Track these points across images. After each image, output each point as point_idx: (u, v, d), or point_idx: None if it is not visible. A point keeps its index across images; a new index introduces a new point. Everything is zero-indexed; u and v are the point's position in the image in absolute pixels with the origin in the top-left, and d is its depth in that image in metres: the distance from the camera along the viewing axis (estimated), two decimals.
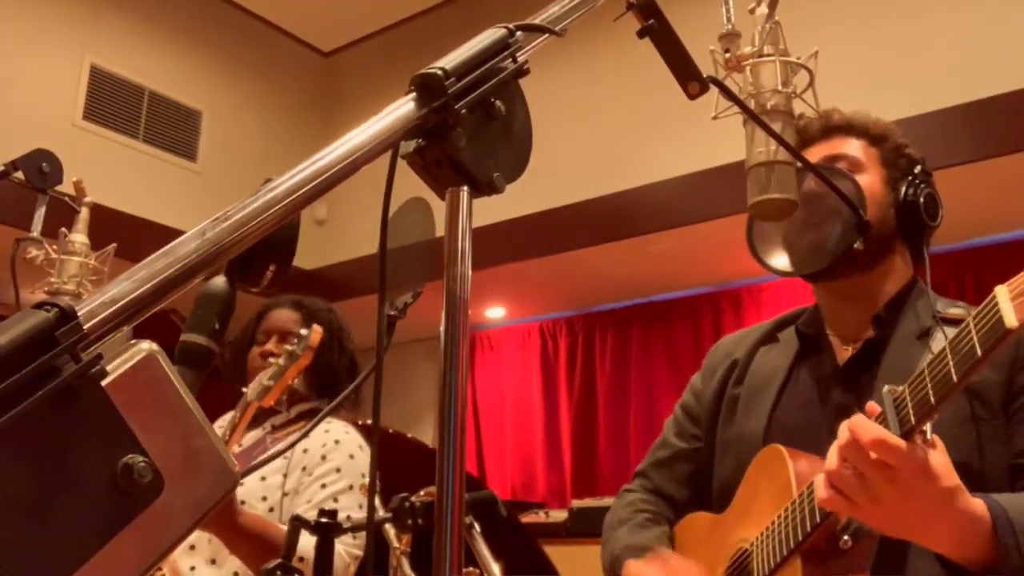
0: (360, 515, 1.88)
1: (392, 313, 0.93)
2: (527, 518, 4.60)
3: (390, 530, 1.21)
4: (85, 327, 0.43)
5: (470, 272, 0.66)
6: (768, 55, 1.12)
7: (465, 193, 0.67)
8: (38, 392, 0.40)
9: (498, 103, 0.69)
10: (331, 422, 2.09)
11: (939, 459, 1.01)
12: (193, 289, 0.77)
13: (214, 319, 0.76)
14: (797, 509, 1.18)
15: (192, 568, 1.96)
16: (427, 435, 6.20)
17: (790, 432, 1.36)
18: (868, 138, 1.45)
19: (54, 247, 1.85)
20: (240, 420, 1.67)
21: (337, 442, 2.03)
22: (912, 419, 0.99)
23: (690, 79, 0.97)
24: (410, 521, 1.16)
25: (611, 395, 5.54)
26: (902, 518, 1.03)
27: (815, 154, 1.45)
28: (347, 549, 1.87)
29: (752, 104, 1.09)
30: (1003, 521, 1.05)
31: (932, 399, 0.98)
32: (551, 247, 4.80)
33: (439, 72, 0.65)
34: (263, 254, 0.78)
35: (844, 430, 1.03)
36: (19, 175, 1.79)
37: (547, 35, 0.77)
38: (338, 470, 1.97)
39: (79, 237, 1.86)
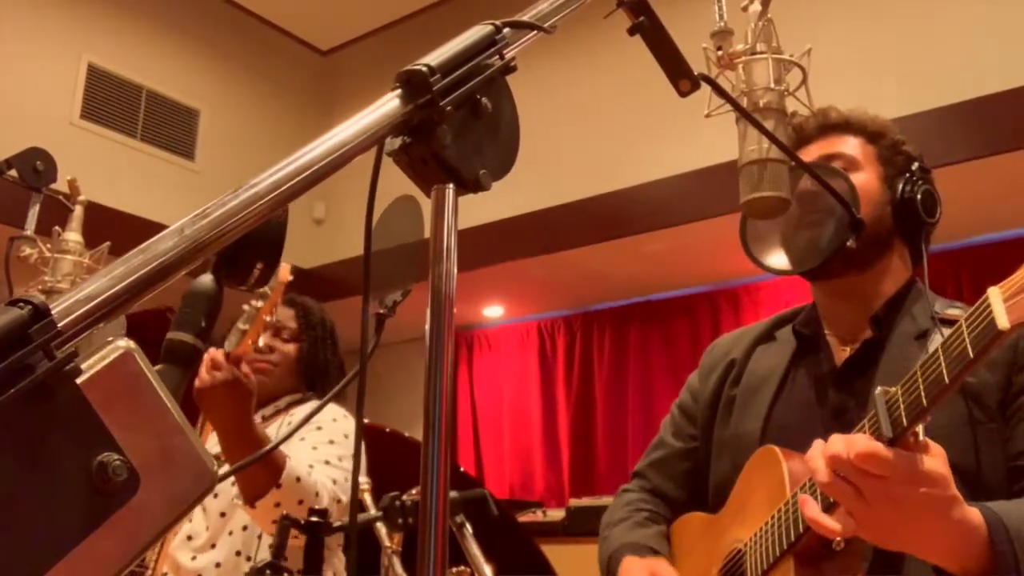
0: (342, 467, 1.88)
1: (381, 312, 0.93)
2: (525, 517, 4.59)
3: (381, 529, 1.20)
4: (60, 324, 0.43)
5: (455, 270, 0.66)
6: (761, 52, 1.11)
7: (451, 191, 0.66)
8: (11, 389, 0.39)
9: (484, 100, 0.68)
10: (330, 406, 2.10)
11: (934, 466, 0.99)
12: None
13: (201, 317, 0.76)
14: (790, 510, 1.18)
15: (193, 558, 1.97)
16: (421, 435, 6.19)
17: (786, 432, 1.36)
18: (865, 136, 1.45)
19: (48, 245, 1.85)
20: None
21: (334, 420, 2.05)
22: (904, 421, 0.98)
23: (681, 76, 0.97)
24: (400, 520, 1.16)
25: (609, 394, 5.54)
26: (895, 528, 1.02)
27: (812, 152, 1.45)
28: (331, 488, 1.85)
29: (745, 102, 1.09)
30: (999, 529, 1.03)
31: (924, 401, 0.97)
32: (549, 246, 4.80)
33: (424, 69, 0.64)
34: (250, 252, 0.78)
35: (820, 455, 1.02)
36: (13, 173, 1.79)
37: (535, 32, 0.77)
38: (331, 442, 1.98)
39: (73, 235, 1.86)
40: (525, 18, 0.77)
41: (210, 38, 5.57)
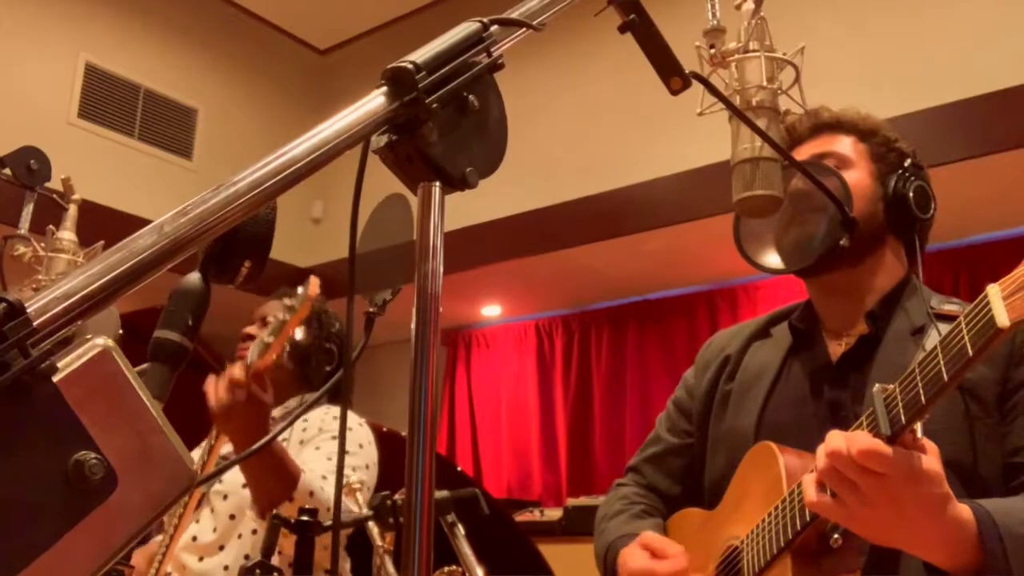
0: (357, 480, 1.88)
1: (371, 310, 0.93)
2: (522, 517, 4.59)
3: (373, 528, 1.20)
4: (37, 322, 0.42)
5: (441, 268, 0.65)
6: (753, 51, 1.12)
7: (437, 188, 0.66)
8: None
9: (471, 98, 0.68)
10: (332, 407, 2.11)
11: (930, 464, 0.99)
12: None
13: (187, 315, 0.76)
14: (787, 507, 1.18)
15: (200, 559, 1.97)
16: None
17: (781, 428, 1.36)
18: (857, 134, 1.45)
19: (42, 244, 1.85)
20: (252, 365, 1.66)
21: (350, 429, 2.06)
22: (903, 419, 0.99)
23: (672, 75, 0.97)
24: (391, 519, 1.15)
25: (607, 393, 5.53)
26: (891, 525, 1.02)
27: (805, 152, 1.45)
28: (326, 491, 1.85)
29: (737, 100, 1.09)
30: (989, 527, 1.04)
31: (923, 398, 0.97)
32: (547, 245, 4.80)
33: (410, 66, 0.64)
34: (238, 250, 0.78)
35: (824, 450, 1.02)
36: (7, 172, 1.78)
37: (524, 29, 0.77)
38: (334, 437, 1.99)
39: (67, 234, 1.86)
40: (514, 15, 0.77)
41: (208, 37, 5.56)
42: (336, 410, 2.09)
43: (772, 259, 1.42)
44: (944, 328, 1.01)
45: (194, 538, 2.00)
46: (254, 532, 1.96)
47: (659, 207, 4.42)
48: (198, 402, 1.70)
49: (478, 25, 0.71)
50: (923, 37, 3.85)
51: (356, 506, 1.55)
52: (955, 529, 1.03)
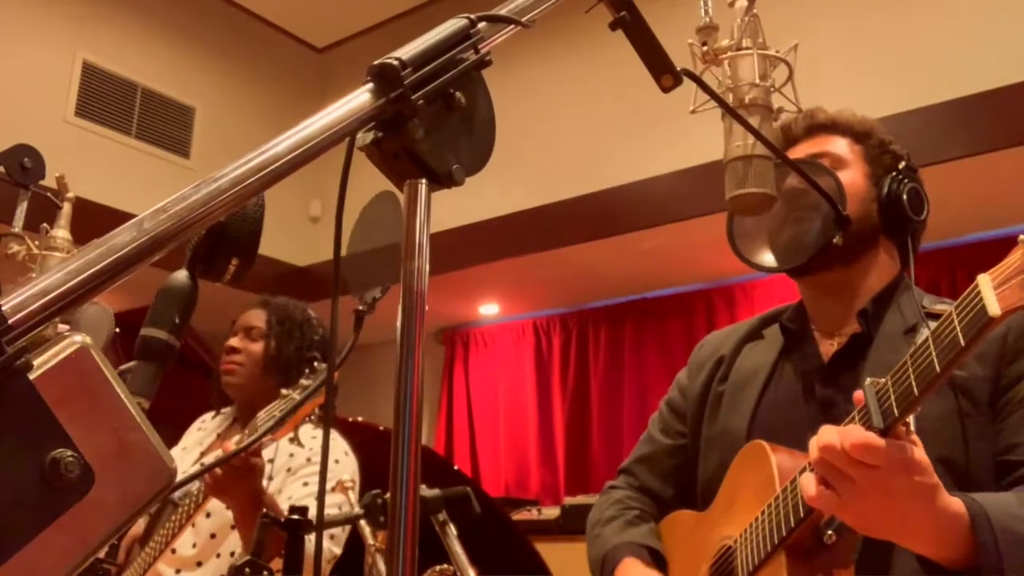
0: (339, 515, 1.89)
1: (361, 308, 0.93)
2: (520, 515, 4.59)
3: (365, 527, 1.20)
4: (12, 319, 0.42)
5: (427, 266, 0.65)
6: (746, 48, 1.11)
7: (423, 186, 0.66)
8: None
9: (458, 94, 0.68)
10: (319, 430, 2.11)
11: (920, 455, 1.00)
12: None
13: (174, 313, 0.75)
14: (780, 504, 1.18)
15: (177, 571, 1.97)
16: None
17: (774, 428, 1.36)
18: (852, 135, 1.45)
19: (36, 243, 1.84)
20: (256, 442, 1.65)
21: (336, 461, 2.05)
22: (895, 411, 0.99)
23: (663, 72, 0.96)
24: (382, 518, 1.15)
25: (604, 392, 5.53)
26: (884, 516, 1.02)
27: (799, 152, 1.45)
28: (326, 546, 1.87)
29: (730, 98, 1.09)
30: (981, 519, 1.04)
31: (915, 390, 0.97)
32: (545, 244, 4.79)
33: (395, 62, 0.64)
34: (225, 248, 0.78)
35: (816, 443, 1.02)
36: (0, 170, 1.77)
37: (513, 26, 0.76)
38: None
39: (61, 232, 1.85)
40: (503, 12, 0.76)
41: (205, 35, 5.56)
42: (336, 447, 2.09)
43: (765, 257, 1.42)
44: (937, 322, 1.01)
45: (173, 550, 2.00)
46: (233, 554, 1.96)
47: (657, 206, 4.42)
48: (188, 397, 1.70)
49: (465, 21, 0.71)
50: (918, 35, 3.85)
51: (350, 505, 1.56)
52: (946, 519, 1.03)
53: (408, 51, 0.66)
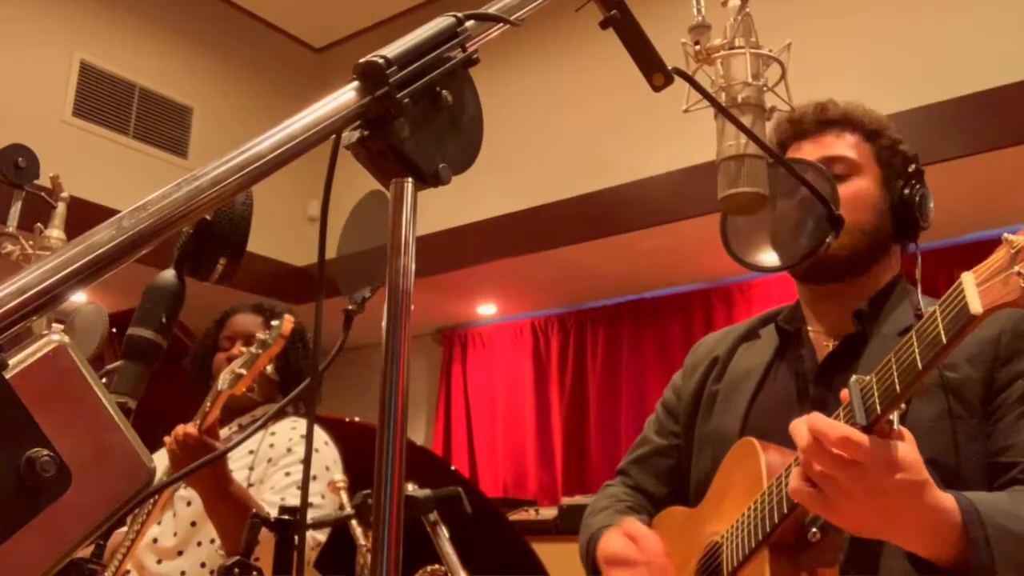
0: (321, 505, 1.90)
1: (350, 308, 0.92)
2: (517, 515, 4.59)
3: (356, 527, 1.19)
4: None
5: (413, 265, 0.65)
6: (739, 47, 1.11)
7: (409, 184, 0.66)
8: None
9: (444, 93, 0.67)
10: (299, 421, 2.12)
11: (907, 452, 1.00)
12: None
13: (161, 312, 0.75)
14: (766, 501, 1.18)
15: (159, 561, 1.98)
16: (415, 433, 6.17)
17: (766, 428, 1.36)
18: (863, 133, 1.44)
19: (30, 243, 1.84)
20: (211, 409, 1.68)
21: (316, 451, 2.06)
22: (878, 408, 0.99)
23: (654, 71, 0.96)
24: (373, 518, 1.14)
25: (602, 392, 5.53)
26: (871, 515, 1.02)
27: (809, 149, 1.44)
28: (310, 534, 1.87)
29: (722, 97, 1.08)
30: (972, 515, 1.04)
31: (898, 388, 0.97)
32: (542, 243, 4.79)
33: (380, 60, 0.64)
34: (213, 247, 0.77)
35: (805, 430, 1.02)
36: None
37: (501, 24, 0.76)
38: (302, 460, 1.99)
39: (55, 232, 1.85)
40: (491, 10, 0.76)
41: (203, 35, 5.55)
42: (303, 427, 2.09)
43: (759, 257, 1.41)
44: (922, 320, 1.01)
45: (155, 540, 2.01)
46: (213, 541, 1.96)
47: (654, 206, 4.41)
48: (177, 395, 1.72)
49: (452, 20, 0.70)
50: (916, 35, 3.85)
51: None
52: (936, 516, 1.03)
53: (394, 49, 0.65)
